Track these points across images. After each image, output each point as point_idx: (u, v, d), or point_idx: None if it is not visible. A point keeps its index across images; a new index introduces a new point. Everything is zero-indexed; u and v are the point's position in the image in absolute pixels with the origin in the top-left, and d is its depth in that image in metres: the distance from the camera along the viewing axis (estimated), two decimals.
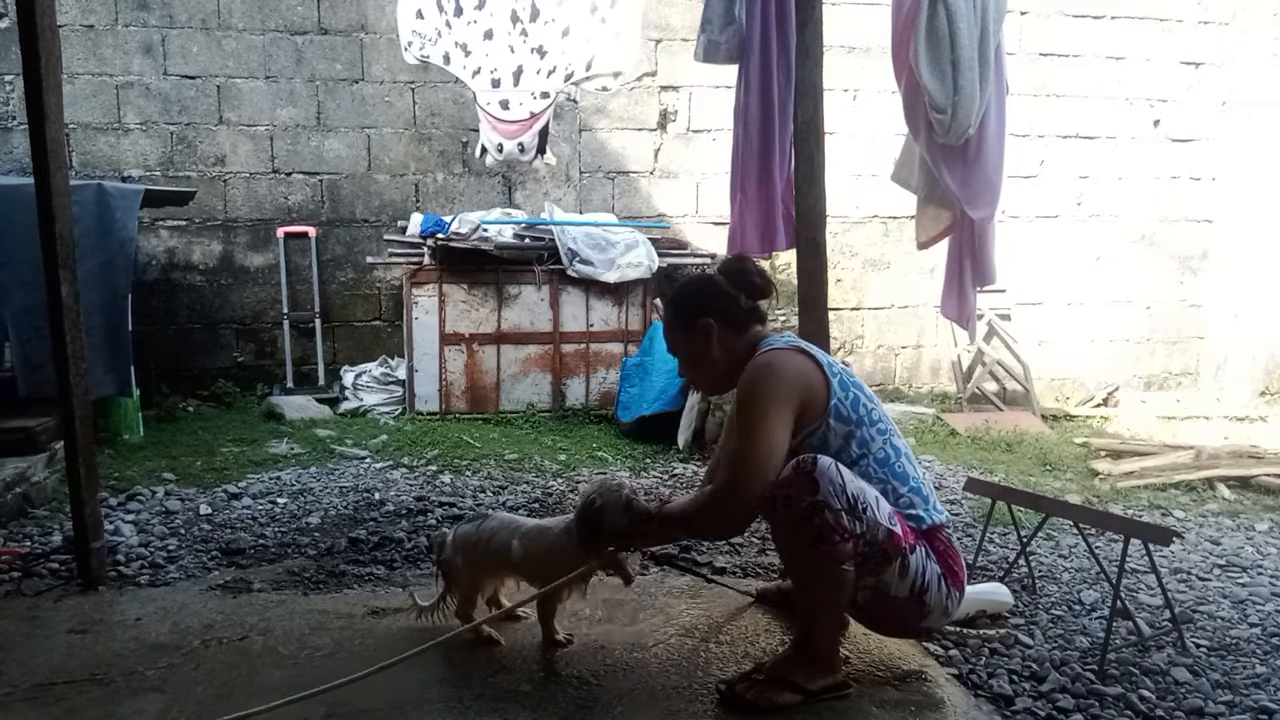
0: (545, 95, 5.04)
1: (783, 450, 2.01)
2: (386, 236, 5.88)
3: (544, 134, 5.19)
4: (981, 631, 2.54)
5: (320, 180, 6.02)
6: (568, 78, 5.02)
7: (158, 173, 5.82)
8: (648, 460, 4.58)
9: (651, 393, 5.02)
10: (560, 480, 4.17)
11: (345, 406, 5.59)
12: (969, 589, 2.66)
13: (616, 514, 2.15)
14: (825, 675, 2.06)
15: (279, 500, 3.73)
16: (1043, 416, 5.91)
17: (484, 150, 5.26)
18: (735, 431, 2.15)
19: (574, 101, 6.05)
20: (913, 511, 2.05)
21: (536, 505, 3.75)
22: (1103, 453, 4.82)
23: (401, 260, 5.54)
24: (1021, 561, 2.97)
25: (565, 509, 3.53)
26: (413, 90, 6.00)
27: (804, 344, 2.19)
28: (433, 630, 2.39)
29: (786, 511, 1.95)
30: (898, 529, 1.97)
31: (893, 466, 2.08)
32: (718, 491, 2.09)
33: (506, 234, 5.58)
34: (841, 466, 1.96)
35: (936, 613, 2.06)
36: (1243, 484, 4.23)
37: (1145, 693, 2.23)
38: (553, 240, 5.45)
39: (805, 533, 1.93)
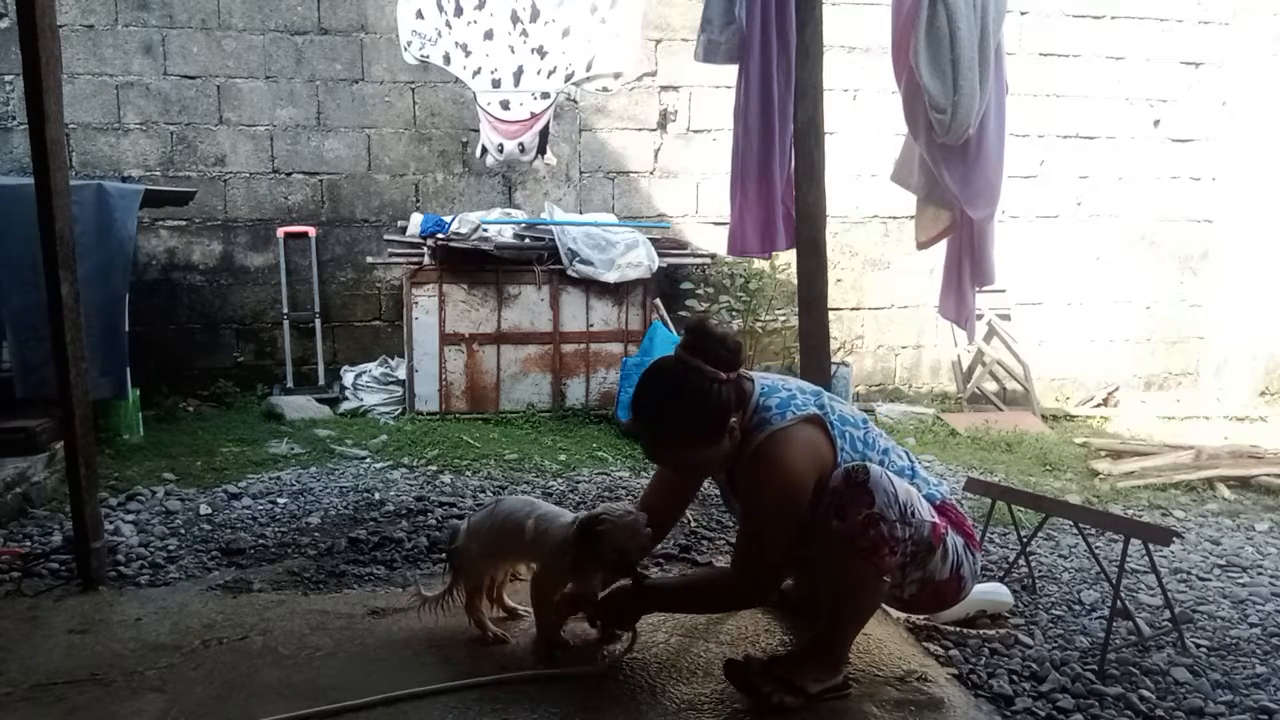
0: (545, 95, 5.04)
1: (792, 544, 2.04)
2: (386, 236, 5.88)
3: (544, 134, 5.19)
4: (981, 631, 2.54)
5: (320, 180, 6.01)
6: (568, 78, 5.02)
7: (158, 173, 5.81)
8: (648, 460, 4.57)
9: None
10: (560, 480, 4.17)
11: (345, 406, 5.58)
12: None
13: (613, 547, 2.09)
14: (828, 675, 2.06)
15: (279, 500, 3.73)
16: (1043, 416, 5.91)
17: (484, 150, 5.27)
18: (748, 526, 2.10)
19: (574, 101, 6.05)
20: (926, 494, 2.09)
21: None
22: (1103, 453, 4.82)
23: (401, 260, 5.54)
24: (1021, 561, 2.97)
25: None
26: (413, 90, 6.00)
27: (805, 406, 2.06)
28: (434, 629, 2.39)
29: (840, 524, 1.93)
30: (938, 520, 2.02)
31: (890, 469, 2.07)
32: (728, 591, 2.17)
33: (506, 234, 5.58)
34: (888, 472, 1.97)
35: (970, 581, 2.13)
36: (1243, 484, 4.23)
37: (1145, 693, 2.23)
38: (553, 240, 5.45)
39: (856, 545, 1.93)
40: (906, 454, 2.18)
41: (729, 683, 2.08)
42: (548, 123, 5.18)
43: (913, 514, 1.96)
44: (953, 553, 2.06)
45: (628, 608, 2.21)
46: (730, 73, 3.66)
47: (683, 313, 5.78)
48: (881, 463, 2.06)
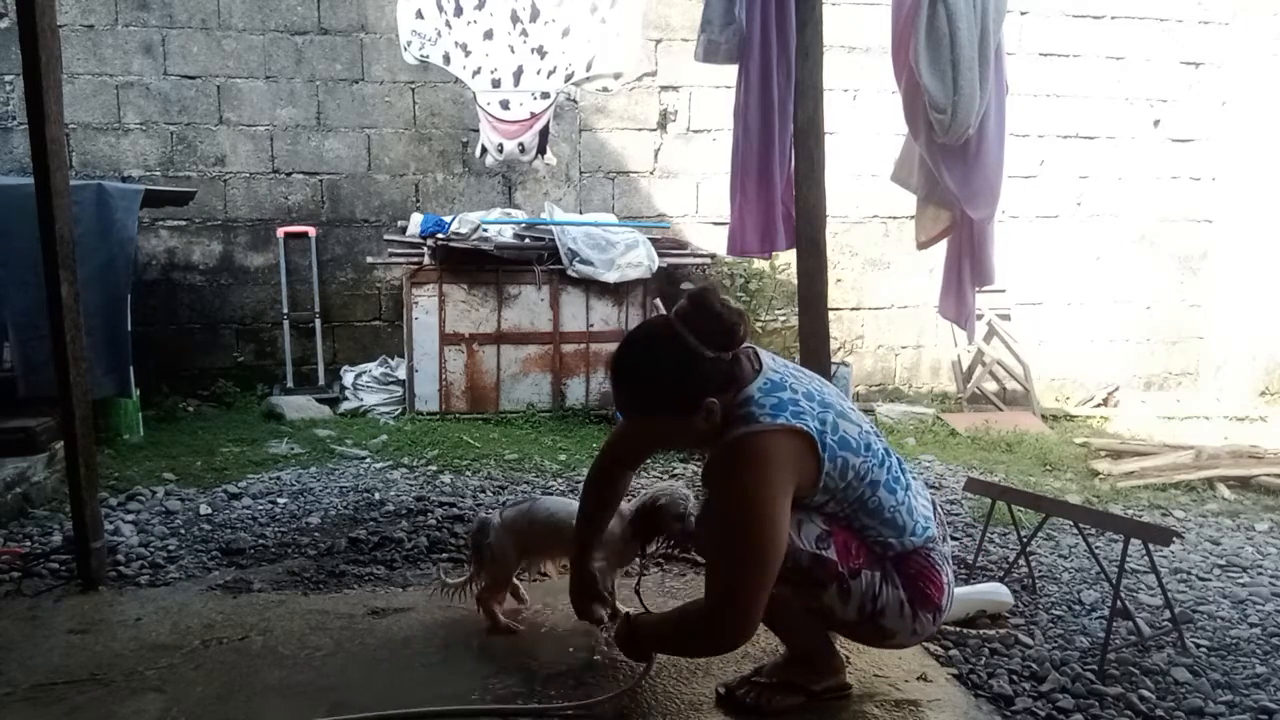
0: (545, 95, 5.04)
1: (784, 546, 1.80)
2: (386, 236, 5.88)
3: (544, 134, 5.19)
4: (981, 631, 2.54)
5: (320, 180, 6.01)
6: (568, 78, 5.02)
7: (158, 173, 5.81)
8: (647, 460, 4.57)
9: None
10: (560, 480, 4.17)
11: (345, 406, 5.58)
12: (969, 589, 2.68)
13: (671, 518, 2.25)
14: (827, 676, 2.06)
15: (279, 500, 3.73)
16: (1043, 416, 5.91)
17: (484, 150, 5.26)
18: (726, 534, 1.82)
19: (574, 101, 6.05)
20: (880, 540, 1.92)
21: None
22: (1103, 453, 4.82)
23: (401, 260, 5.54)
24: (1021, 561, 2.97)
25: None
26: (413, 90, 6.00)
27: (800, 417, 1.83)
28: (435, 628, 2.39)
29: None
30: (829, 554, 1.85)
31: (866, 504, 1.89)
32: (696, 629, 1.90)
33: (506, 234, 5.58)
34: None
35: (903, 634, 1.94)
36: (1243, 484, 4.23)
37: (1145, 693, 2.23)
38: (553, 240, 5.45)
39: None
40: (889, 486, 1.91)
41: (725, 711, 2.03)
42: (548, 123, 5.18)
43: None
44: (864, 599, 1.88)
45: (625, 646, 2.11)
46: (730, 73, 3.66)
47: None
48: (851, 495, 1.88)
